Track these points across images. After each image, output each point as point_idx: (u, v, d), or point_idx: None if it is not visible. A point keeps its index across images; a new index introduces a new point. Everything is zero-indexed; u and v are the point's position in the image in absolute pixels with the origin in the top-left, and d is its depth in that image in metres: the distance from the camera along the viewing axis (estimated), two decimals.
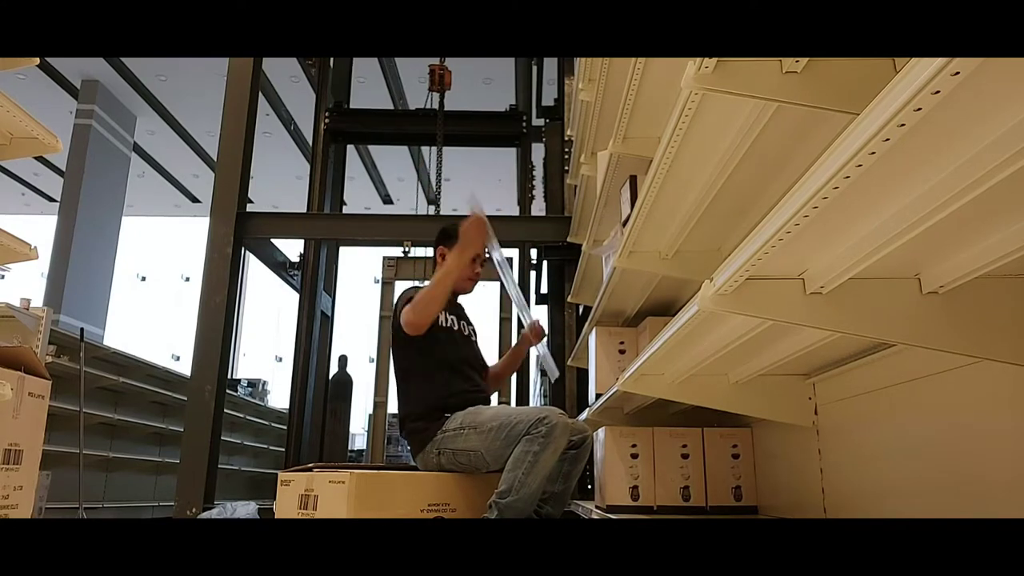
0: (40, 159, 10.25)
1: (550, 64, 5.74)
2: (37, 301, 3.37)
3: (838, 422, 1.81)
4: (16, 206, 12.25)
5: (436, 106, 5.03)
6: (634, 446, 2.47)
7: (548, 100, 5.46)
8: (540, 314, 4.82)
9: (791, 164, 1.61)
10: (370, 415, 5.95)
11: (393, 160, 10.04)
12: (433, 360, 2.59)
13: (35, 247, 2.32)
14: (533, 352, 5.05)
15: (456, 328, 2.73)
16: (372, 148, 9.73)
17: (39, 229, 8.34)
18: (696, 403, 2.01)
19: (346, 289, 5.89)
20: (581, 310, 4.37)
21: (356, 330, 7.62)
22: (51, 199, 11.59)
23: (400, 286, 4.61)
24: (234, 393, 7.18)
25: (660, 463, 2.45)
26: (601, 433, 2.60)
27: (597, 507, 2.64)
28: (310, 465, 2.53)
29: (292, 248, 5.04)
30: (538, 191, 5.35)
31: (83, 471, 4.19)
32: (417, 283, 2.90)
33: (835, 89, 1.20)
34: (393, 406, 4.59)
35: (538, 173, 5.41)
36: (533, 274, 4.76)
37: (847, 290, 1.11)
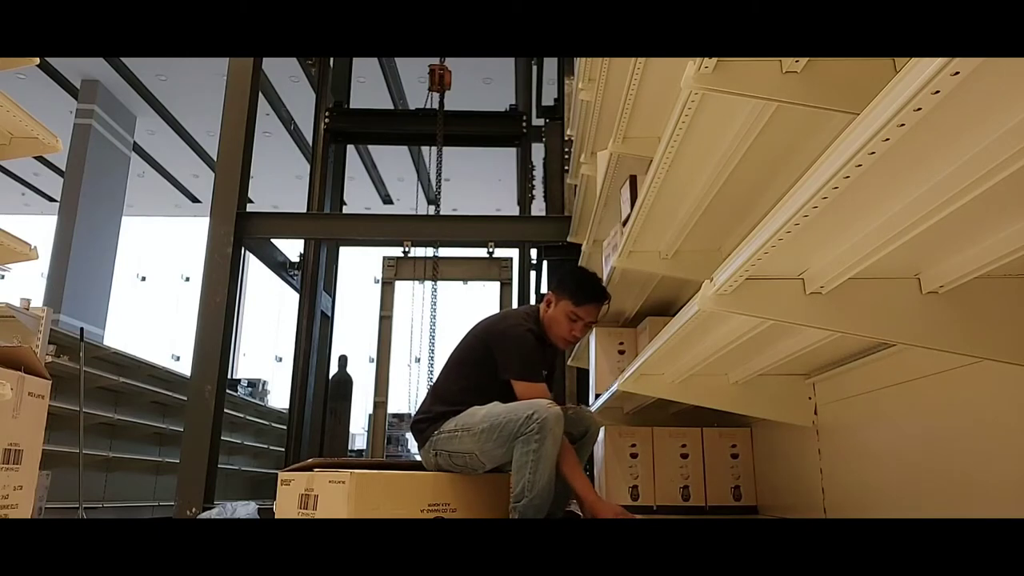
0: (40, 159, 10.23)
1: (550, 64, 5.74)
2: (37, 301, 3.37)
3: (838, 422, 1.81)
4: (16, 206, 12.24)
5: (436, 106, 5.03)
6: (633, 446, 2.47)
7: (548, 100, 5.46)
8: None
9: (791, 164, 1.61)
10: (370, 415, 5.95)
11: (393, 160, 10.03)
12: (488, 391, 2.48)
13: (35, 247, 2.32)
14: None
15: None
16: (372, 148, 9.72)
17: (39, 229, 8.34)
18: (696, 403, 2.01)
19: (346, 289, 5.89)
20: None
21: (356, 330, 7.62)
22: (51, 199, 11.58)
23: (400, 286, 4.61)
24: (234, 393, 7.18)
25: (660, 463, 2.45)
26: (600, 433, 2.59)
27: None
28: (310, 462, 2.53)
29: (292, 248, 5.04)
30: (538, 191, 5.35)
31: (83, 471, 4.19)
32: (524, 314, 2.64)
33: (835, 89, 1.20)
34: (393, 406, 4.62)
35: (538, 173, 5.41)
36: (533, 274, 4.76)
37: (847, 290, 1.11)
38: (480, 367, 2.52)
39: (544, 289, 4.79)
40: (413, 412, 2.77)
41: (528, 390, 2.39)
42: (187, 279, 13.44)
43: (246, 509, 3.55)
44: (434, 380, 2.66)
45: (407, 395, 5.79)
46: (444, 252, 4.58)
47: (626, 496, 2.43)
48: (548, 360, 2.63)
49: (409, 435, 9.20)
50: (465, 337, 2.65)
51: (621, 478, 2.45)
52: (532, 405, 2.29)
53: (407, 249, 4.45)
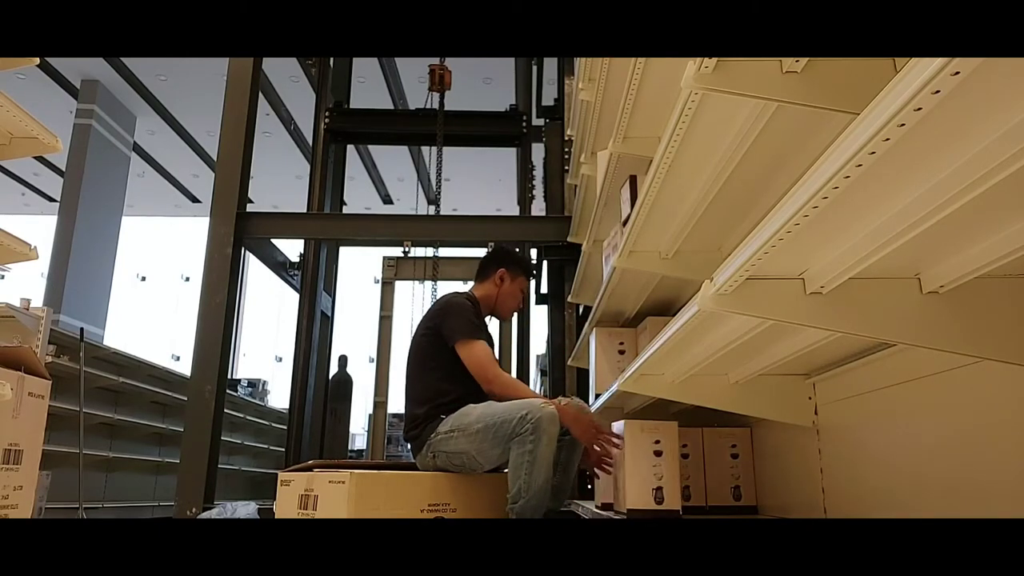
0: (40, 159, 10.23)
1: (550, 64, 5.74)
2: (37, 301, 3.37)
3: (838, 422, 1.81)
4: (16, 206, 12.23)
5: (436, 106, 5.03)
6: None
7: (548, 100, 5.46)
8: (540, 314, 4.83)
9: (791, 164, 1.61)
10: (370, 415, 5.95)
11: (393, 160, 10.03)
12: (461, 372, 2.56)
13: (35, 247, 2.32)
14: (533, 355, 5.02)
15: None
16: (372, 148, 9.72)
17: (39, 229, 8.34)
18: (696, 403, 2.00)
19: (346, 289, 5.89)
20: (581, 310, 4.37)
21: (356, 330, 7.62)
22: (51, 199, 11.58)
23: (400, 286, 4.61)
24: (234, 393, 7.17)
25: None
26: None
27: (596, 507, 2.64)
28: (310, 463, 2.53)
29: (292, 248, 5.03)
30: (538, 191, 5.35)
31: (83, 471, 4.19)
32: (461, 289, 2.91)
33: (835, 89, 1.20)
34: (393, 406, 4.62)
35: (538, 173, 5.41)
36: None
37: (847, 290, 1.11)
38: (438, 354, 2.57)
39: (544, 289, 4.80)
40: None
41: (471, 352, 2.50)
42: (187, 279, 13.44)
43: (246, 509, 3.55)
44: (405, 389, 2.68)
45: None
46: (444, 252, 4.58)
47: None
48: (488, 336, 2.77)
49: None
50: (414, 338, 2.73)
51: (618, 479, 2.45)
52: (525, 405, 2.30)
53: (407, 249, 4.45)
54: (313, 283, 4.68)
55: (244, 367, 11.79)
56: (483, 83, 8.38)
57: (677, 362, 1.86)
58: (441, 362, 2.56)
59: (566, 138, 4.53)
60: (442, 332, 2.57)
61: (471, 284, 2.97)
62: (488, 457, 2.36)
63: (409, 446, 2.64)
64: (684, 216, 1.95)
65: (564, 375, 4.25)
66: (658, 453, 2.16)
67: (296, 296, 4.80)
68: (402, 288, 4.67)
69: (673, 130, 1.48)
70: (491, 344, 2.75)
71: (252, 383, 9.09)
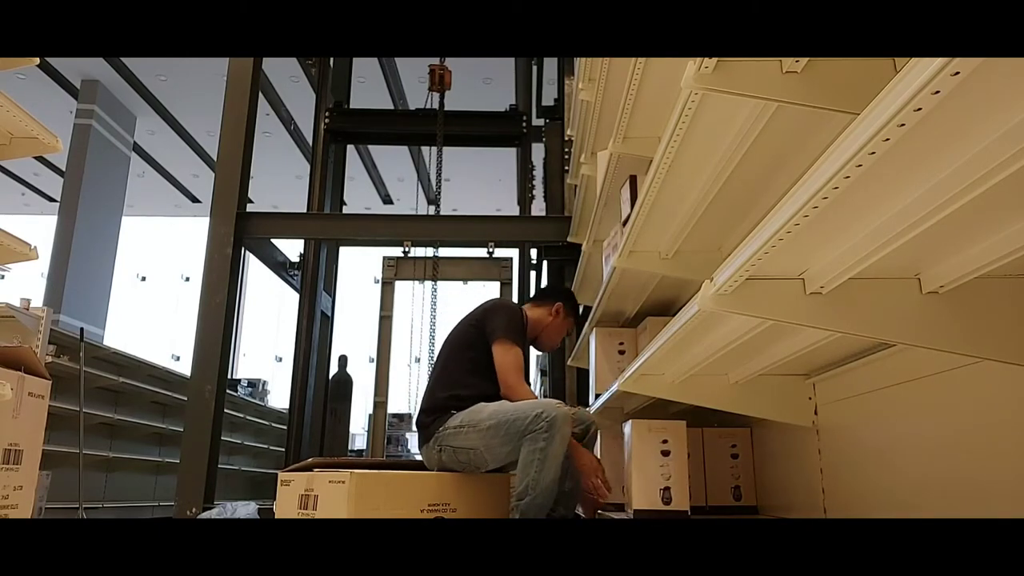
0: (40, 159, 10.23)
1: (550, 64, 5.74)
2: (37, 301, 3.37)
3: (838, 422, 1.81)
4: (16, 206, 12.23)
5: (436, 106, 5.03)
6: None
7: (548, 100, 5.46)
8: None
9: (791, 164, 1.61)
10: (370, 415, 5.95)
11: (393, 160, 10.03)
12: (489, 371, 2.56)
13: (35, 247, 2.32)
14: (533, 355, 5.03)
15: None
16: (372, 148, 9.72)
17: (39, 229, 8.34)
18: (696, 403, 2.01)
19: (346, 289, 5.89)
20: (581, 310, 4.37)
21: (356, 330, 7.62)
22: (51, 199, 11.58)
23: (400, 286, 4.61)
24: (234, 393, 7.17)
25: None
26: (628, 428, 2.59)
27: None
28: (309, 462, 2.52)
29: (292, 248, 5.03)
30: (538, 191, 5.35)
31: (83, 471, 4.19)
32: (513, 301, 2.91)
33: (835, 89, 1.20)
34: (393, 406, 4.62)
35: (538, 173, 5.41)
36: (533, 274, 4.76)
37: (847, 290, 1.11)
38: (475, 347, 2.58)
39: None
40: (414, 412, 2.78)
41: (505, 354, 2.51)
42: (187, 279, 13.43)
43: (246, 509, 3.55)
44: (432, 373, 2.68)
45: (407, 395, 5.80)
46: (444, 252, 4.58)
47: (623, 496, 2.43)
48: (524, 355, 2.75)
49: (409, 435, 9.19)
50: (457, 326, 2.73)
51: (619, 478, 2.45)
52: (539, 404, 2.30)
53: (407, 249, 4.45)
54: (313, 283, 4.69)
55: (244, 367, 11.79)
56: (483, 83, 8.37)
57: (677, 362, 1.87)
58: (474, 355, 2.57)
59: (566, 138, 4.53)
60: (485, 328, 2.59)
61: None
62: (496, 455, 2.35)
63: (417, 436, 2.65)
64: (684, 216, 1.95)
65: (564, 375, 4.25)
66: (665, 453, 2.16)
67: (296, 296, 4.80)
68: (402, 288, 4.67)
69: (673, 130, 1.48)
70: (526, 363, 2.75)
71: (252, 383, 9.09)
